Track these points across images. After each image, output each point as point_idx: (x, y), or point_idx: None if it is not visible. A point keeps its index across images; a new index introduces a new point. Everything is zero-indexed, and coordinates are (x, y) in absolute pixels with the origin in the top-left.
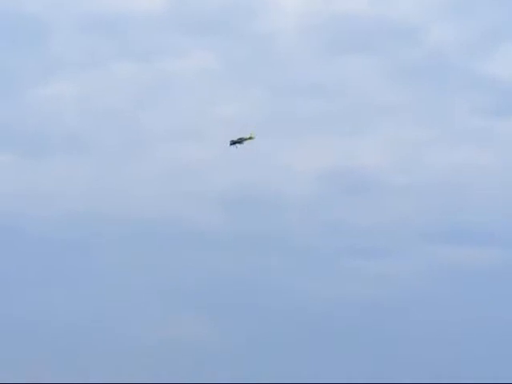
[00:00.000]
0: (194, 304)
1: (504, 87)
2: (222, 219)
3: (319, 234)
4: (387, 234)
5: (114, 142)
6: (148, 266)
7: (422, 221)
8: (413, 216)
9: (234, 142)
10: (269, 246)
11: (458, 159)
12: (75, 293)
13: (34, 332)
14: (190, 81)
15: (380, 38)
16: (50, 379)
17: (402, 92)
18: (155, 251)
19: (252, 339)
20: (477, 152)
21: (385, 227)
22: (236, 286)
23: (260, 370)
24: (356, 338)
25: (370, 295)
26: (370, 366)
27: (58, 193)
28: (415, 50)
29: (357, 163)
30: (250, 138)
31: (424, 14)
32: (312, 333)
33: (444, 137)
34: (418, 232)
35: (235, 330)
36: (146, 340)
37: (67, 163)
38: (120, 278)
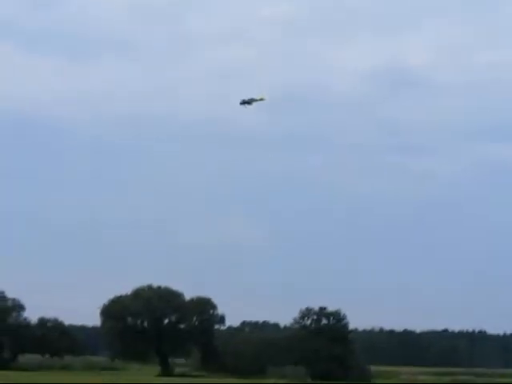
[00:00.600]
0: (242, 206)
1: None
2: (268, 119)
3: (366, 132)
4: (434, 132)
5: (162, 44)
6: (196, 167)
7: (469, 119)
8: (460, 114)
9: (244, 102)
10: (315, 144)
11: (506, 57)
12: (127, 194)
13: (85, 229)
14: None
15: None
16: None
17: None
18: (203, 152)
19: (299, 240)
20: None
21: (432, 125)
22: (282, 185)
23: (308, 271)
24: (400, 233)
25: (416, 192)
26: (413, 261)
27: (106, 96)
28: None
29: (404, 61)
30: (261, 99)
31: None
32: (359, 230)
33: (490, 35)
34: (465, 130)
35: (282, 231)
36: (196, 242)
37: (115, 66)
38: (169, 180)
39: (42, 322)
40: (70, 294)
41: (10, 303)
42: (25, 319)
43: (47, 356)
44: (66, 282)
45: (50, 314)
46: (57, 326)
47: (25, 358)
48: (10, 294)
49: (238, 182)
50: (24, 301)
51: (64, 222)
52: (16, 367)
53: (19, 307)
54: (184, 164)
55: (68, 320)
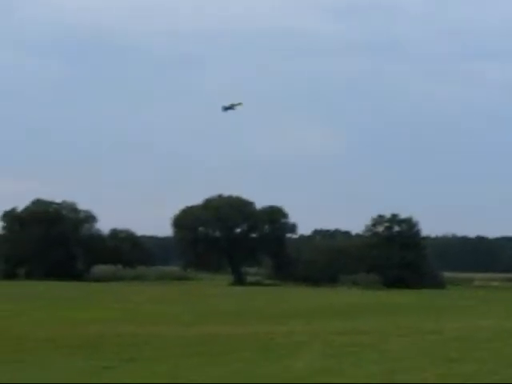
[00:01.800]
0: (312, 114)
1: None
2: (336, 27)
3: (438, 38)
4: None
5: None
6: (269, 76)
7: None
8: None
9: (226, 108)
10: (386, 52)
11: None
12: (199, 104)
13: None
14: None
15: None
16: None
17: None
18: (272, 61)
19: (372, 147)
20: None
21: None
22: (354, 92)
23: (380, 178)
24: (473, 139)
25: (491, 100)
26: (485, 167)
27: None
28: None
29: None
30: (240, 104)
31: None
32: (431, 137)
33: None
34: None
35: (357, 137)
36: (267, 152)
37: None
38: (240, 91)
39: (114, 233)
40: (141, 205)
41: (82, 215)
42: (97, 230)
43: (120, 267)
44: (137, 193)
45: (121, 225)
46: (129, 236)
47: (98, 269)
48: (82, 206)
49: (312, 91)
50: (96, 212)
51: (132, 133)
52: (89, 278)
53: (91, 219)
54: (256, 73)
55: (140, 231)
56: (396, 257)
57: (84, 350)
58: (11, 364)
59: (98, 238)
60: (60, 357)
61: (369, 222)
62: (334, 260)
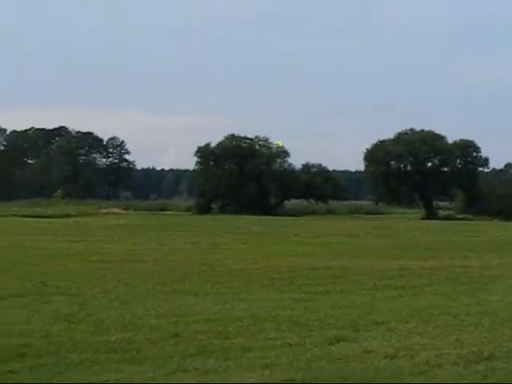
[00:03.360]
0: (497, 42)
1: None
2: None
3: None
4: None
5: None
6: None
7: None
8: None
9: None
10: None
11: None
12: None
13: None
14: None
15: None
16: None
17: None
18: None
19: None
20: None
21: None
22: None
23: None
24: None
25: None
26: None
27: None
28: None
29: None
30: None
31: None
32: None
33: None
34: None
35: None
36: (463, 85)
37: None
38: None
39: (307, 167)
40: (332, 140)
41: (274, 150)
42: (289, 165)
43: (312, 201)
44: (328, 127)
45: (313, 159)
46: (321, 171)
47: (290, 204)
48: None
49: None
50: (288, 147)
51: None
52: (281, 213)
53: (284, 153)
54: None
55: (331, 165)
56: None
57: (278, 283)
58: (209, 295)
59: (290, 172)
60: (254, 289)
61: None
62: None
